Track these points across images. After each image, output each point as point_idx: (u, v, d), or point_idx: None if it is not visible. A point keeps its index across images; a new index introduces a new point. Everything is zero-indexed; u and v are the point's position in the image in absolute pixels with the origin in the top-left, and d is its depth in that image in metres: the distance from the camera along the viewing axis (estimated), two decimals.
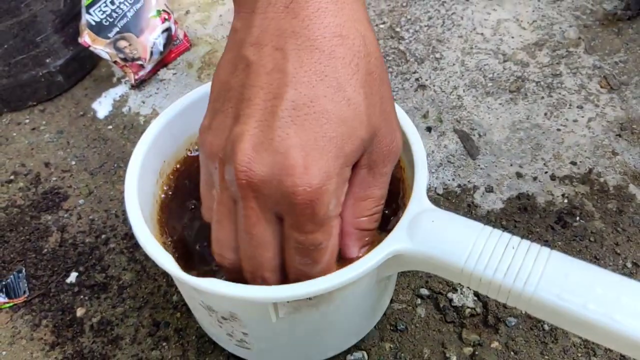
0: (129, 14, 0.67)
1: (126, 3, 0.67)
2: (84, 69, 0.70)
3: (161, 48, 0.68)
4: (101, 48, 0.65)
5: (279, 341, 0.42)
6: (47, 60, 0.65)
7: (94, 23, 0.65)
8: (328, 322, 0.41)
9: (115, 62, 0.66)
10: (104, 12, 0.66)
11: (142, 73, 0.68)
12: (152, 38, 0.67)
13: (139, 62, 0.67)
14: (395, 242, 0.35)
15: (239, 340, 0.42)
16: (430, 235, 0.35)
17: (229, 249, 0.35)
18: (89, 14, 0.65)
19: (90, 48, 0.65)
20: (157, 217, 0.44)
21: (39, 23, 0.62)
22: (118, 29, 0.66)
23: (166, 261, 0.35)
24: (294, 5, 0.30)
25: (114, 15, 0.66)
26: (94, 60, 0.71)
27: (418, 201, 0.37)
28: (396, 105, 0.43)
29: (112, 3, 0.66)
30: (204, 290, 0.34)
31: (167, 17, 0.69)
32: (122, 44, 0.66)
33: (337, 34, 0.30)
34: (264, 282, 0.35)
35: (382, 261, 0.35)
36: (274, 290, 0.34)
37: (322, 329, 0.41)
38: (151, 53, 0.67)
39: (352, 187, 0.33)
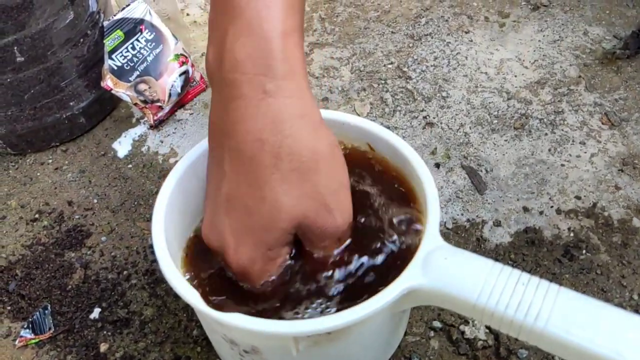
0: (149, 59, 0.70)
1: (146, 48, 0.70)
2: (105, 111, 0.73)
3: (179, 90, 0.71)
4: (122, 91, 0.68)
5: None
6: (71, 103, 0.68)
7: (115, 67, 0.68)
8: (345, 355, 0.42)
9: (135, 104, 0.69)
10: (125, 57, 0.69)
11: (160, 114, 0.70)
12: (170, 81, 0.71)
13: (158, 104, 0.70)
14: (410, 278, 0.37)
15: None
16: (444, 272, 0.37)
17: None
18: (112, 59, 0.68)
19: (112, 91, 0.68)
20: (182, 253, 0.46)
21: (64, 69, 0.65)
22: (138, 73, 0.69)
23: (192, 296, 0.37)
24: (229, 108, 0.35)
25: (135, 59, 0.69)
26: (114, 101, 0.74)
27: (431, 239, 0.39)
28: (407, 145, 0.46)
29: (133, 48, 0.70)
30: (228, 325, 0.36)
31: (184, 60, 0.72)
32: (142, 86, 0.69)
33: (257, 139, 0.34)
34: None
35: (397, 297, 0.37)
36: (295, 325, 0.36)
37: None
38: (169, 95, 0.70)
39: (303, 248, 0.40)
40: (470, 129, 0.68)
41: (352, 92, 0.74)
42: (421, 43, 0.80)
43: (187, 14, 0.88)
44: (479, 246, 0.57)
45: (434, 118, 0.70)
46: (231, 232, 0.37)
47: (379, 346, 0.45)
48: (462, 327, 0.51)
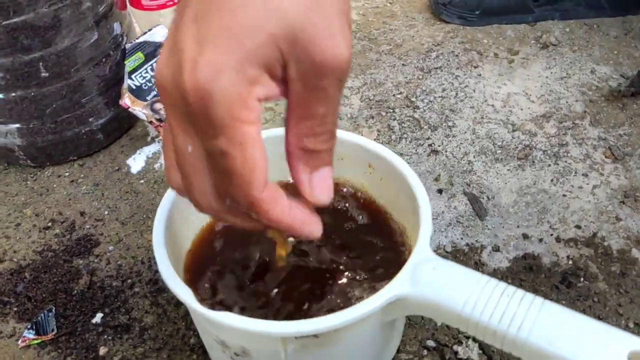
0: None
1: None
2: (122, 129, 0.77)
3: None
4: (139, 109, 0.71)
5: None
6: (90, 119, 0.71)
7: (134, 87, 0.71)
8: None
9: (150, 122, 0.72)
10: (144, 77, 0.72)
11: None
12: None
13: None
14: (398, 286, 0.38)
15: None
16: (431, 281, 0.38)
17: (171, 170, 0.33)
18: (131, 79, 0.71)
19: (130, 109, 0.71)
20: (184, 259, 0.48)
21: (86, 86, 0.69)
22: (155, 93, 0.72)
23: (185, 294, 0.39)
24: None
25: (153, 80, 0.73)
26: (132, 120, 0.77)
27: (421, 250, 0.40)
28: (404, 162, 0.47)
29: (152, 69, 0.73)
30: (218, 324, 0.37)
31: None
32: (158, 106, 0.72)
33: None
34: (197, 206, 0.33)
35: (385, 304, 0.38)
36: (283, 325, 0.37)
37: None
38: None
39: (291, 104, 0.30)
40: (474, 157, 0.70)
41: (360, 119, 0.76)
42: (430, 75, 0.83)
43: None
44: (477, 270, 0.57)
45: (439, 146, 0.72)
46: (196, 40, 0.27)
47: (369, 358, 0.45)
48: (455, 347, 0.51)
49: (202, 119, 0.28)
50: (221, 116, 0.27)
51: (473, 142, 0.72)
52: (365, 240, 0.48)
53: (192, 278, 0.46)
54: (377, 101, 0.79)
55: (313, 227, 0.34)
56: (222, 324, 0.37)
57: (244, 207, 0.31)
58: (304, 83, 0.29)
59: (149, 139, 0.77)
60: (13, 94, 0.65)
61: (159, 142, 0.76)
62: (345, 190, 0.52)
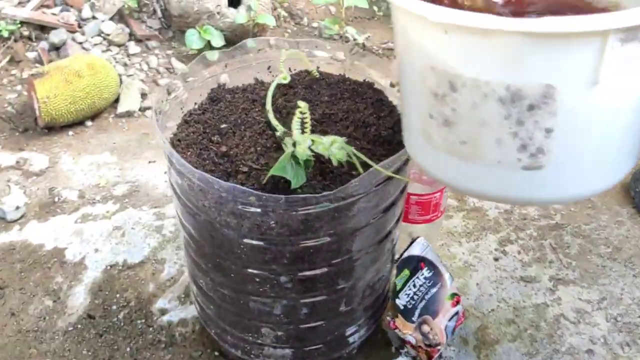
0: (427, 297, 0.71)
1: (425, 285, 0.72)
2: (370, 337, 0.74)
3: (451, 331, 0.72)
4: (409, 333, 0.68)
5: (583, 142, 0.38)
6: (354, 340, 0.68)
7: (402, 307, 0.69)
8: None
9: (418, 346, 0.69)
10: (408, 294, 0.70)
11: (435, 355, 0.70)
12: (445, 321, 0.71)
13: (438, 347, 0.70)
14: None
15: (534, 153, 0.37)
16: None
17: None
18: (398, 298, 0.69)
19: (396, 331, 0.69)
20: None
21: (360, 311, 0.66)
22: (419, 312, 0.70)
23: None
24: None
25: (415, 297, 0.70)
26: (376, 328, 0.75)
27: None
28: None
29: (414, 286, 0.71)
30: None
31: (458, 300, 0.73)
32: (425, 328, 0.69)
33: None
34: None
35: None
36: (601, 17, 0.32)
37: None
38: (446, 336, 0.70)
39: None
40: None
41: (614, 345, 0.74)
42: None
43: None
44: None
45: None
46: None
47: None
48: None
49: None
50: None
51: None
52: None
53: None
54: (624, 323, 0.77)
55: None
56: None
57: None
58: None
59: (392, 349, 0.74)
60: (308, 325, 0.62)
61: (405, 354, 0.73)
62: None
